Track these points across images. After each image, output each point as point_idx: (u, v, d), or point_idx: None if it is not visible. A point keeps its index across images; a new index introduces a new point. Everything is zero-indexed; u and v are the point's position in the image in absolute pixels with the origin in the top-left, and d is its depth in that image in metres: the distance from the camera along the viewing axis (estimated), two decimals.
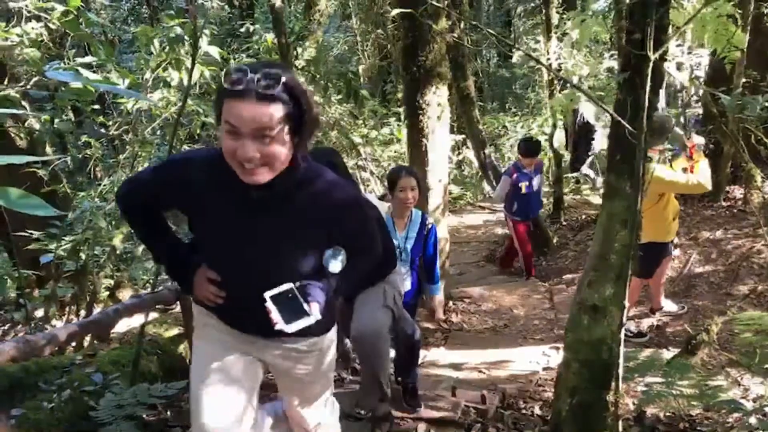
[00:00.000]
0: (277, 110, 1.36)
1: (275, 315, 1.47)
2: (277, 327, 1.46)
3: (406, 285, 3.20)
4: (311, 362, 1.81)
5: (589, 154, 8.47)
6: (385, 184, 3.37)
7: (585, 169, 8.78)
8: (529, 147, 5.71)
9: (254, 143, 1.36)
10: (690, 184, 3.72)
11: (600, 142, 8.59)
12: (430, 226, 3.35)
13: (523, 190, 5.71)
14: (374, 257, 1.82)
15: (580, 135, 8.37)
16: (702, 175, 3.74)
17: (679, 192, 3.96)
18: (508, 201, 5.85)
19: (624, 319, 2.05)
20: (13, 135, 5.50)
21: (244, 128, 1.35)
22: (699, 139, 3.98)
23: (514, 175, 5.72)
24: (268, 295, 1.48)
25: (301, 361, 1.79)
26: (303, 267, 1.61)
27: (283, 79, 1.35)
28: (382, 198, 3.40)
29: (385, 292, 2.75)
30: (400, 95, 10.29)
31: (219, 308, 1.71)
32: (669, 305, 4.52)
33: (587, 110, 8.26)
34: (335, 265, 1.61)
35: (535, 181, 5.78)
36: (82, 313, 5.27)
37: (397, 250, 3.17)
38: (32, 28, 4.06)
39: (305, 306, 1.50)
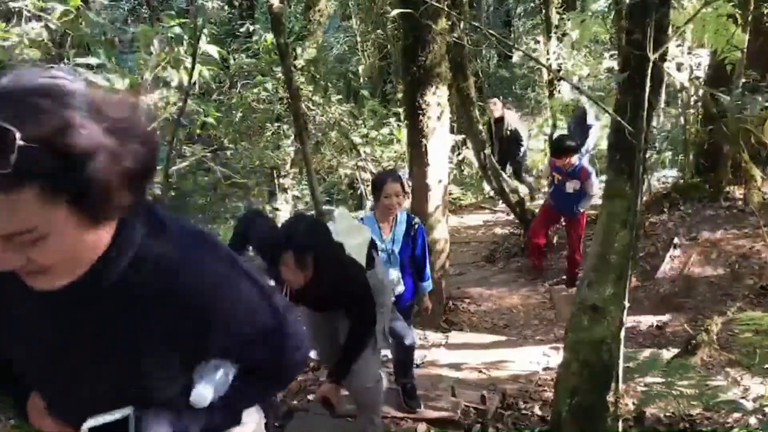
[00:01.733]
0: (22, 199, 0.73)
1: None
2: None
3: (399, 288, 3.18)
4: None
5: (518, 159, 8.35)
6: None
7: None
8: (551, 146, 5.51)
9: (11, 247, 0.79)
10: None
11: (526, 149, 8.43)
12: (416, 226, 3.30)
13: (555, 182, 5.66)
14: (284, 378, 1.26)
15: (509, 141, 8.26)
16: None
17: None
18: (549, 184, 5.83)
19: (624, 319, 2.05)
20: None
21: None
22: None
23: (554, 165, 5.66)
24: (86, 425, 0.98)
25: None
26: (155, 392, 1.04)
27: (20, 138, 0.68)
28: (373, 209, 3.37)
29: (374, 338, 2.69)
30: (400, 95, 10.29)
31: None
32: None
33: (512, 118, 8.29)
34: (200, 395, 1.05)
35: (569, 183, 5.37)
36: None
37: (385, 254, 3.15)
38: (32, 28, 4.07)
39: None
